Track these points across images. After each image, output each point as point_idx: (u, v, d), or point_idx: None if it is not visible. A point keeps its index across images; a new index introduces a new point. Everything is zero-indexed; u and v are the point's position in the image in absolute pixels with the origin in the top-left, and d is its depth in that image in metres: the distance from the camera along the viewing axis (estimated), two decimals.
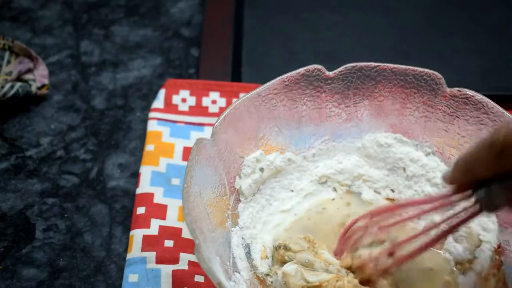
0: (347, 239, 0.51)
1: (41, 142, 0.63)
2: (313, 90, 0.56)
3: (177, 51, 0.72)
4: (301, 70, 0.56)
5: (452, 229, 0.46)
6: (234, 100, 0.65)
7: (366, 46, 0.72)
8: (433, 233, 0.47)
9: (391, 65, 0.56)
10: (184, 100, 0.65)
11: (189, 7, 0.77)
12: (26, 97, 0.65)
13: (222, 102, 0.65)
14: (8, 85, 0.64)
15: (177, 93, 0.66)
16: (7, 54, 0.67)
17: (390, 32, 0.74)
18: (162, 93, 0.65)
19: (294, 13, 0.76)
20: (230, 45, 0.72)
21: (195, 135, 0.63)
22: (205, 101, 0.65)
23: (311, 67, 0.56)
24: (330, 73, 0.56)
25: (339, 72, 0.56)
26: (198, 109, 0.65)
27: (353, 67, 0.56)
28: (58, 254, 0.56)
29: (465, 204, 0.44)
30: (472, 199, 0.43)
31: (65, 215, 0.58)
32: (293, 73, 0.56)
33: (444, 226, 0.46)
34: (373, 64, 0.56)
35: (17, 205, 0.59)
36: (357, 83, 0.57)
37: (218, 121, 0.52)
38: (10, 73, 0.65)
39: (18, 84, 0.64)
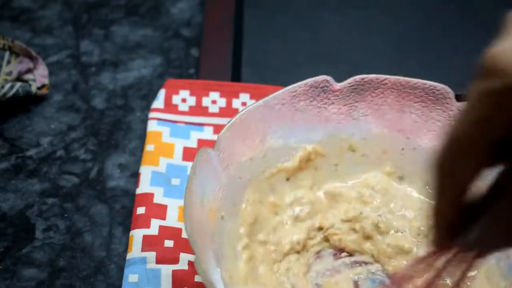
0: None
1: (41, 142, 0.63)
2: (320, 101, 0.55)
3: (177, 51, 0.72)
4: (309, 81, 0.55)
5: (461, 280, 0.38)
6: (240, 109, 0.64)
7: (366, 46, 0.72)
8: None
9: (400, 78, 0.55)
10: (184, 100, 0.65)
11: (189, 7, 0.77)
12: (26, 97, 0.65)
13: (222, 102, 0.65)
14: (8, 85, 0.64)
15: (177, 93, 0.66)
16: (7, 54, 0.67)
17: (390, 32, 0.74)
18: (162, 93, 0.65)
19: (294, 13, 0.76)
20: (230, 45, 0.71)
21: (195, 135, 0.63)
22: (205, 101, 0.65)
23: (319, 78, 0.55)
24: (338, 85, 0.55)
25: (348, 84, 0.55)
26: (198, 109, 0.65)
27: (362, 79, 0.55)
28: (58, 254, 0.56)
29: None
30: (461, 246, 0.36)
31: (65, 215, 0.58)
32: (301, 83, 0.54)
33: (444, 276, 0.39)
34: (382, 76, 0.55)
35: (17, 205, 0.59)
36: (365, 95, 0.55)
37: (224, 130, 0.51)
38: (10, 73, 0.65)
39: (18, 84, 0.64)
